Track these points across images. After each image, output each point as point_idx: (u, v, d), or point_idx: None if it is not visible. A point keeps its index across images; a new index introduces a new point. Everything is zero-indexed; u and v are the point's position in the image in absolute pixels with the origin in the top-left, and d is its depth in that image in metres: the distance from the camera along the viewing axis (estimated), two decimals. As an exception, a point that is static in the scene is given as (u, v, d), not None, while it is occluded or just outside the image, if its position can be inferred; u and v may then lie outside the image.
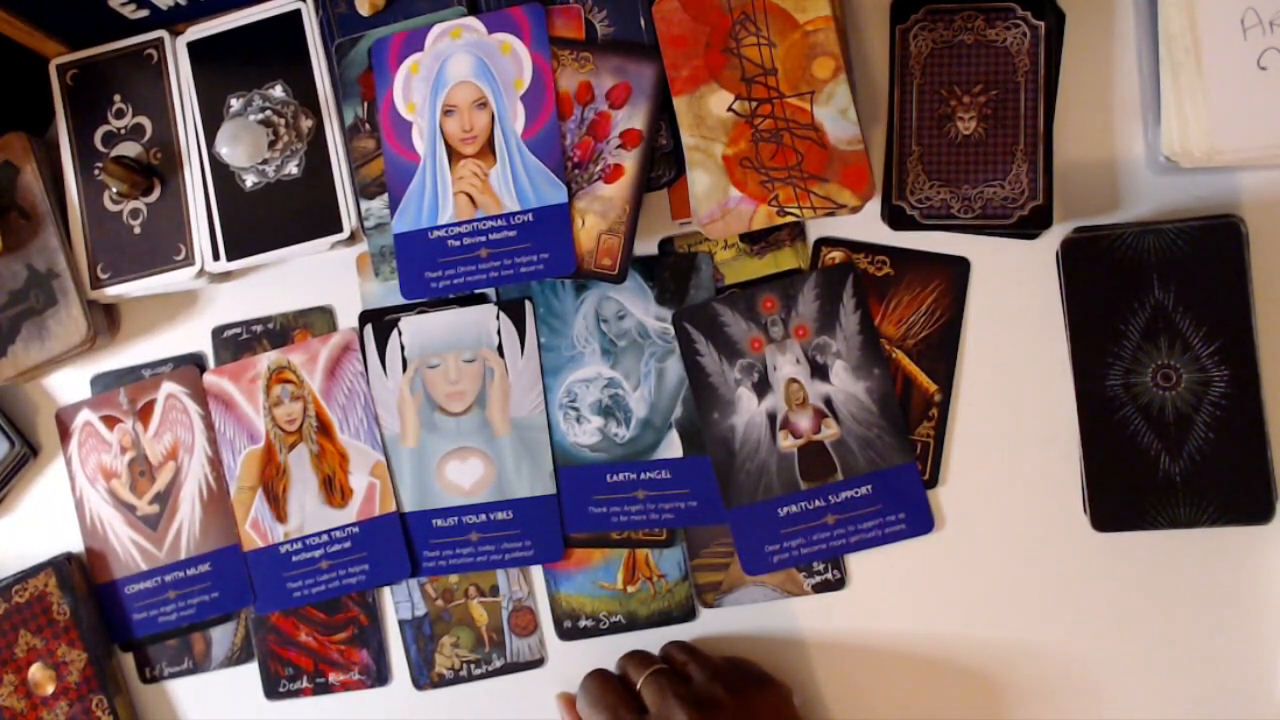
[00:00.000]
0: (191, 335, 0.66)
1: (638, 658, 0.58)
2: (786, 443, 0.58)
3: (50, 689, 0.64)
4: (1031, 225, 0.55)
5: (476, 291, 0.61)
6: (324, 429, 0.63)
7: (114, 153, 0.63)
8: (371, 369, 0.63)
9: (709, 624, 0.60)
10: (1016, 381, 0.57)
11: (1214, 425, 0.52)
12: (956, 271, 0.58)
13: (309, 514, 0.63)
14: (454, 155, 0.58)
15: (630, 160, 0.56)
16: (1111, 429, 0.53)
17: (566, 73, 0.57)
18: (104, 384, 0.67)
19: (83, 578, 0.66)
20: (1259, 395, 0.52)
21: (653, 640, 0.60)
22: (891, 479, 0.58)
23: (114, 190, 0.63)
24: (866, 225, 0.58)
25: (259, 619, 0.64)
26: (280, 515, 0.63)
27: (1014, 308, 0.57)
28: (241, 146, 0.58)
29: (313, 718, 0.64)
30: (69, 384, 0.67)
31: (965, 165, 0.55)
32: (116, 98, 0.64)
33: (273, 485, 0.64)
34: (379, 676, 0.63)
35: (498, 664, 0.62)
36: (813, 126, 0.54)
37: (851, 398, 0.58)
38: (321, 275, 0.64)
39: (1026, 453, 0.57)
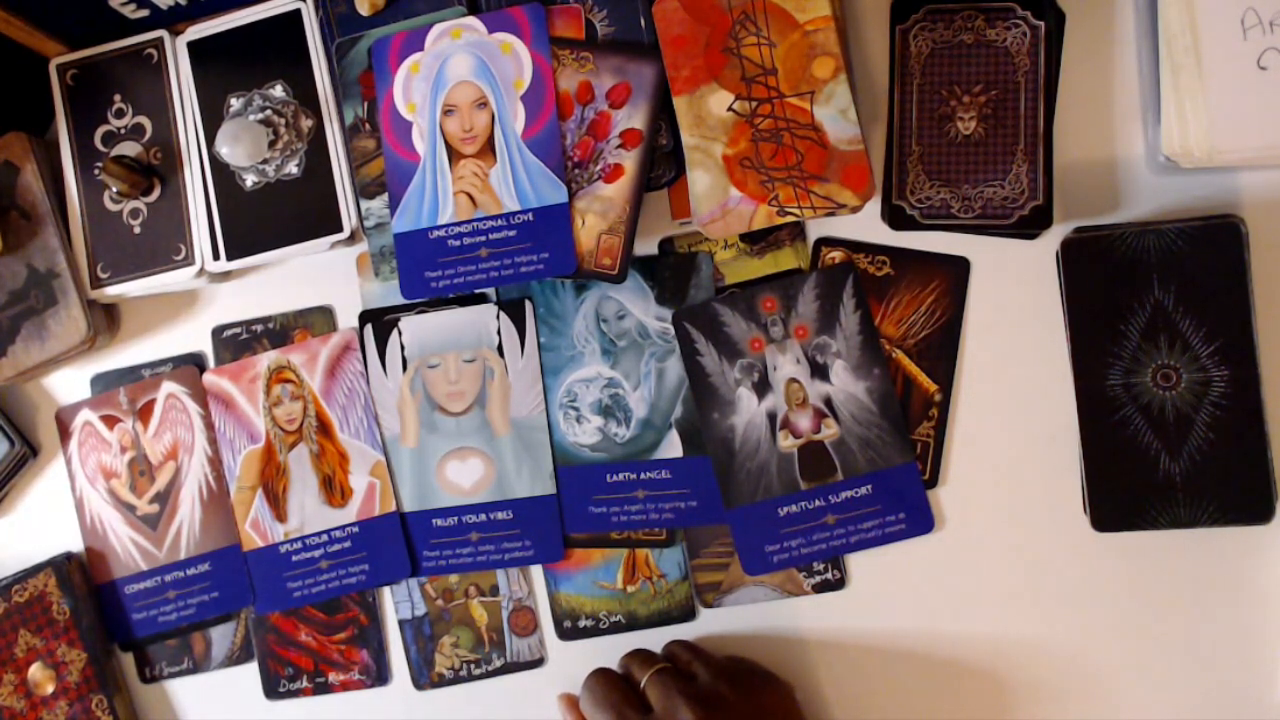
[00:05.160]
0: (191, 335, 0.66)
1: (641, 656, 0.58)
2: (786, 443, 0.58)
3: (50, 689, 0.64)
4: (1031, 225, 0.55)
5: (476, 291, 0.61)
6: (324, 429, 0.63)
7: (114, 152, 0.63)
8: (371, 369, 0.63)
9: (709, 624, 0.60)
10: (1016, 381, 0.57)
11: (1214, 425, 0.52)
12: (956, 271, 0.58)
13: (309, 514, 0.63)
14: (454, 155, 0.58)
15: (630, 160, 0.56)
16: (1111, 429, 0.53)
17: (566, 73, 0.57)
18: (104, 384, 0.67)
19: (83, 578, 0.65)
20: (1259, 395, 0.52)
21: (653, 640, 0.60)
22: (891, 479, 0.58)
23: (114, 190, 0.63)
24: (866, 225, 0.58)
25: (259, 619, 0.64)
26: (280, 515, 0.63)
27: (1014, 308, 0.57)
28: (241, 146, 0.58)
29: (313, 718, 0.64)
30: (69, 384, 0.67)
31: (965, 165, 0.55)
32: (116, 98, 0.64)
33: (273, 485, 0.64)
34: (379, 676, 0.63)
35: (498, 664, 0.62)
36: (813, 126, 0.54)
37: (851, 398, 0.58)
38: (321, 275, 0.64)
39: (1026, 453, 0.57)
